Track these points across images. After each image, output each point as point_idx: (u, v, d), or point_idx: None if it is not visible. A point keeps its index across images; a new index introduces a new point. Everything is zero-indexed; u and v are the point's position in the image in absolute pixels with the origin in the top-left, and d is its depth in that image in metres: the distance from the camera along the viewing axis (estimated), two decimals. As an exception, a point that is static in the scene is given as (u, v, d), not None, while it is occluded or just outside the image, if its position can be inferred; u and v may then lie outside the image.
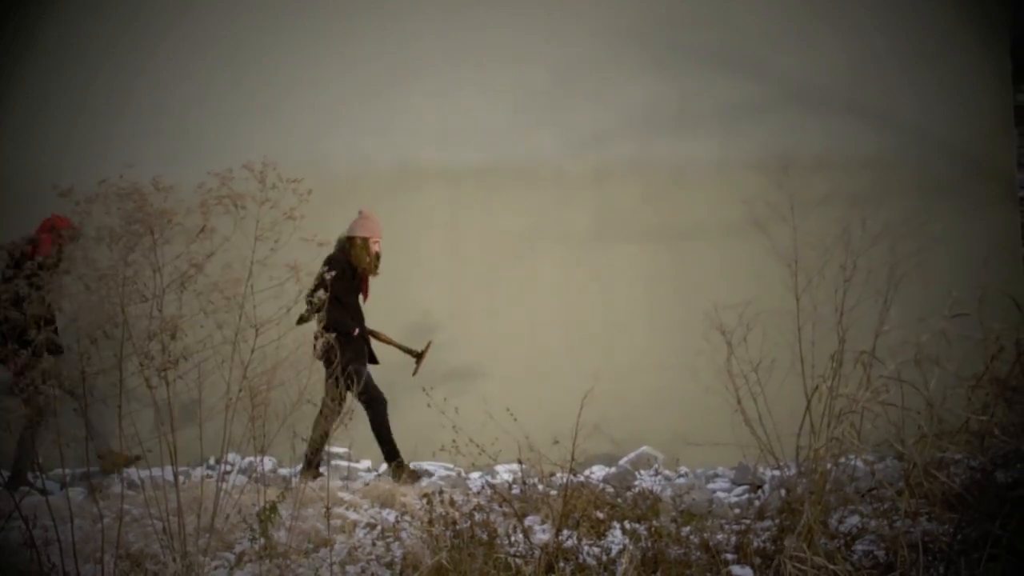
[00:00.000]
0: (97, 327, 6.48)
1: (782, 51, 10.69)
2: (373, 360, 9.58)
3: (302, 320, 8.78)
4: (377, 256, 9.47)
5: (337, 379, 8.67)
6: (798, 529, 5.94)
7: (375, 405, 9.35)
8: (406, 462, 9.51)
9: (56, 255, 8.74)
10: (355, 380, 8.74)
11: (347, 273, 9.11)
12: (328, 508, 6.79)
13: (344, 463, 9.75)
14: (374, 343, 9.66)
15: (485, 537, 6.47)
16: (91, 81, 10.98)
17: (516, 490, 7.89)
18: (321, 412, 8.45)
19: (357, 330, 9.38)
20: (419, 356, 9.59)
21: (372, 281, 9.84)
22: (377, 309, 10.49)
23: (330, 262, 8.85)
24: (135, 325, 6.60)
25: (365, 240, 9.34)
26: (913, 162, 10.50)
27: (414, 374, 9.54)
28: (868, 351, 6.31)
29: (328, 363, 8.52)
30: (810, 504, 6.05)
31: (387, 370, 10.34)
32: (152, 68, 10.96)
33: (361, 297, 9.60)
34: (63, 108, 11.01)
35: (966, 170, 10.49)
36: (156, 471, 6.95)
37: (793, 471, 6.53)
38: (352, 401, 8.65)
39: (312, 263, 7.91)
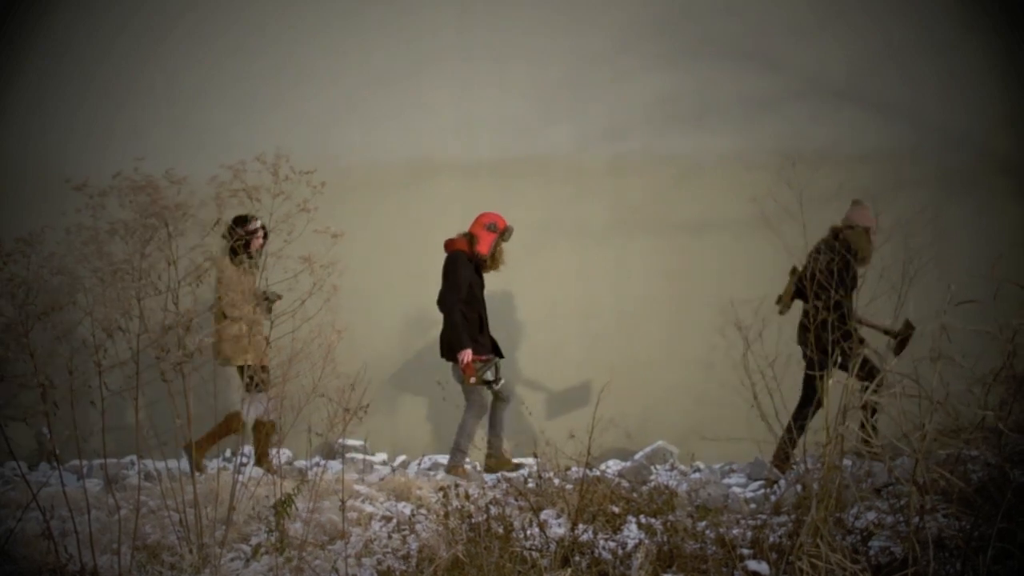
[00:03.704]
0: (113, 320, 6.50)
1: (797, 44, 10.66)
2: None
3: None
4: None
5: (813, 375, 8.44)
6: (807, 524, 5.92)
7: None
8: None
9: (492, 252, 8.95)
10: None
11: (845, 261, 8.99)
12: (343, 501, 6.79)
13: (360, 456, 9.76)
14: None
15: (501, 531, 6.46)
16: (97, 70, 11.00)
17: (532, 484, 7.92)
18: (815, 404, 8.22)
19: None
20: (898, 336, 8.74)
21: (386, 276, 9.86)
22: (392, 301, 10.53)
23: (824, 250, 8.77)
24: (150, 318, 6.61)
25: (867, 229, 9.13)
26: (927, 156, 10.47)
27: (896, 354, 8.53)
28: (867, 343, 6.31)
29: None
30: (819, 499, 6.03)
31: (393, 363, 10.39)
32: (161, 57, 10.99)
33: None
34: (71, 98, 11.03)
35: (981, 164, 10.45)
36: (172, 463, 6.98)
37: (809, 466, 6.53)
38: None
39: (327, 255, 7.91)
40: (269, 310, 8.89)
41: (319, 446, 9.24)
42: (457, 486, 6.91)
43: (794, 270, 8.98)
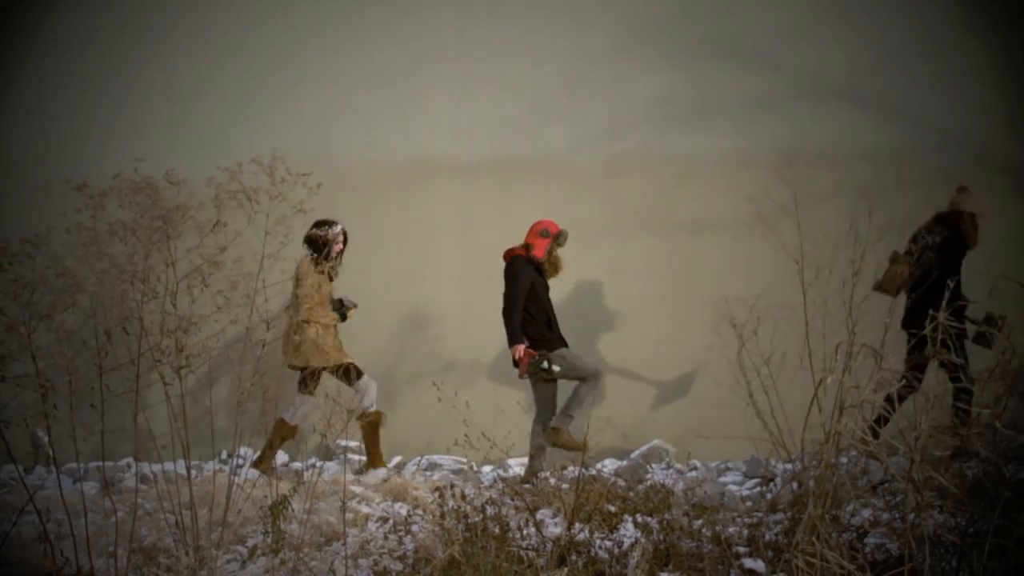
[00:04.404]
0: (115, 322, 6.51)
1: (795, 44, 10.65)
2: None
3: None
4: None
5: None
6: (804, 521, 5.92)
7: None
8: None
9: (547, 258, 9.01)
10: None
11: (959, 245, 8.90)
12: (344, 502, 6.80)
13: (356, 457, 9.76)
14: None
15: (497, 530, 6.46)
16: (97, 70, 11.03)
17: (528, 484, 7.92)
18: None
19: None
20: (993, 326, 8.39)
21: (385, 276, 9.87)
22: (390, 301, 10.53)
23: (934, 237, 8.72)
24: (150, 321, 6.63)
25: (972, 216, 9.09)
26: (926, 155, 10.45)
27: (987, 347, 8.27)
28: (868, 344, 6.30)
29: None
30: (815, 497, 6.04)
31: (386, 364, 10.39)
32: (161, 57, 11.01)
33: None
34: (71, 98, 11.05)
35: (980, 164, 10.43)
36: (169, 465, 6.99)
37: (805, 464, 6.53)
38: None
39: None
40: (344, 317, 9.12)
41: (315, 447, 9.25)
42: (453, 486, 6.92)
43: (895, 256, 8.92)
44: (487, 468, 9.67)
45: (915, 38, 10.60)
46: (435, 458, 9.89)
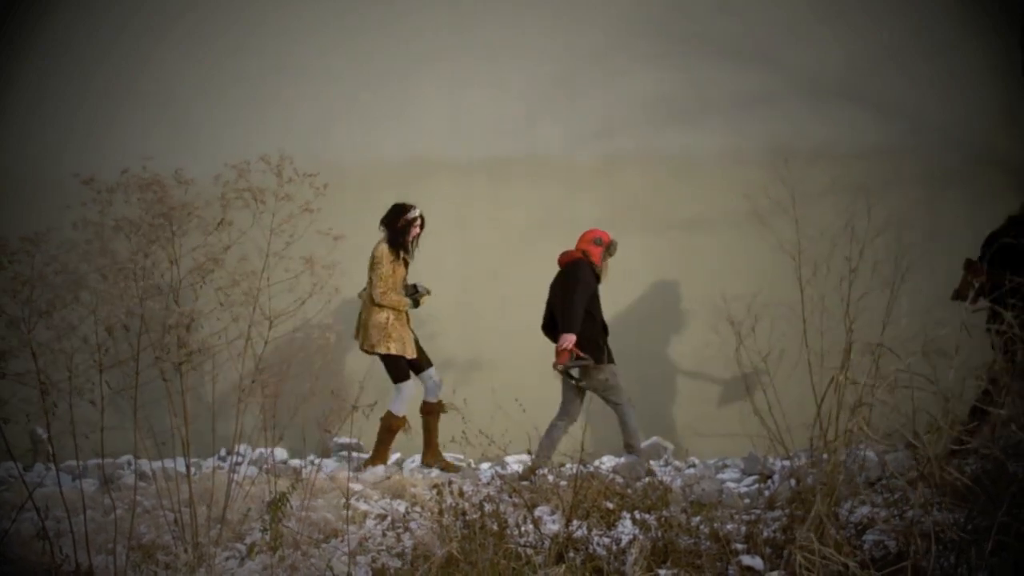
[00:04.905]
0: (115, 318, 6.51)
1: (792, 42, 10.67)
2: None
3: None
4: None
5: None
6: (808, 520, 5.92)
7: None
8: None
9: (601, 264, 9.25)
10: None
11: None
12: (347, 499, 6.82)
13: (354, 454, 9.77)
14: None
15: (495, 527, 6.47)
16: (97, 70, 11.03)
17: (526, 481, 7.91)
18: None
19: None
20: None
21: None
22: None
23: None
24: (152, 317, 6.63)
25: None
26: (921, 152, 10.46)
27: None
28: (879, 343, 6.29)
29: None
30: (822, 494, 6.03)
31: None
32: (161, 57, 11.00)
33: None
34: (71, 98, 11.06)
35: (977, 162, 10.44)
36: (168, 462, 6.99)
37: (803, 461, 6.53)
38: None
39: (328, 256, 7.92)
40: (416, 304, 9.16)
41: (314, 445, 9.25)
42: (451, 483, 6.93)
43: (969, 263, 8.81)
44: (485, 465, 9.68)
45: (915, 38, 10.61)
46: (433, 455, 9.91)
